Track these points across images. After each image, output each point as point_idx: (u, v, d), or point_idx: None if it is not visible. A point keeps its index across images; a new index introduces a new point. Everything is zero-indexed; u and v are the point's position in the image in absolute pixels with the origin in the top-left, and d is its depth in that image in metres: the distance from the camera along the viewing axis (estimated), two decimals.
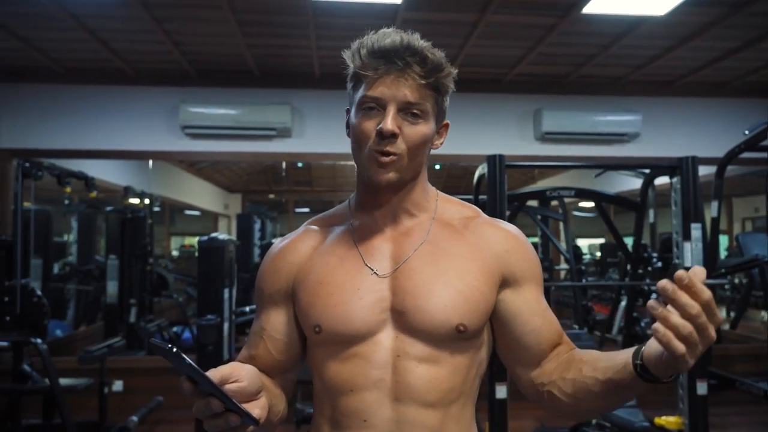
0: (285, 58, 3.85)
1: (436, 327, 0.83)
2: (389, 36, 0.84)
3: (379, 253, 0.89)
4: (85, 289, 5.28)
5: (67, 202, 3.46)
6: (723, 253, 8.26)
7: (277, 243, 0.98)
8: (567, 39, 3.46)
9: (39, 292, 3.01)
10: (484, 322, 0.87)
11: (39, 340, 2.83)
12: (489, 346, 0.92)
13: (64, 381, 3.09)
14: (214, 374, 0.69)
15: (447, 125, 0.94)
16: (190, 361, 0.64)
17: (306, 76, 4.11)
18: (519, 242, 0.91)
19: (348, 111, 0.92)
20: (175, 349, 0.63)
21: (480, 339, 0.89)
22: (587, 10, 2.98)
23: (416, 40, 0.84)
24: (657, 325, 0.62)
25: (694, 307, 0.61)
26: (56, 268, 5.18)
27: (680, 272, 0.61)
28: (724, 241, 8.67)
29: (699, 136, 4.36)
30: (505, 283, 0.89)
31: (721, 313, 6.75)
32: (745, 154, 3.65)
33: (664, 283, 0.62)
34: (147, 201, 5.20)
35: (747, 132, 3.43)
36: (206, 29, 3.34)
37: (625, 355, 0.73)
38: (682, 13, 3.05)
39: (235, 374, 0.71)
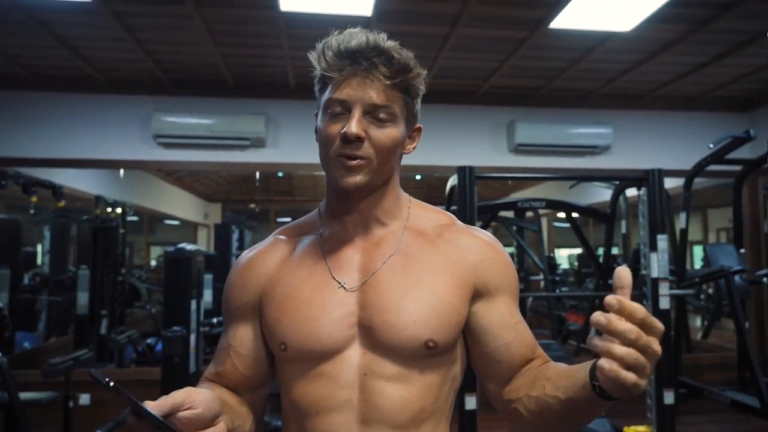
0: (259, 68, 3.85)
1: (404, 343, 0.79)
2: (355, 36, 0.81)
3: (347, 265, 0.85)
4: (56, 300, 5.17)
5: (32, 211, 3.40)
6: (699, 264, 8.41)
7: (245, 254, 0.93)
8: (537, 52, 3.51)
9: (0, 304, 2.93)
10: (456, 337, 0.84)
11: None
12: (463, 360, 0.88)
13: (27, 395, 3.02)
14: (166, 401, 0.65)
15: (419, 129, 0.90)
16: (130, 395, 0.61)
17: (280, 87, 4.11)
18: (495, 252, 0.87)
19: (316, 115, 0.88)
20: (112, 383, 0.60)
21: (453, 354, 0.85)
22: (554, 25, 3.03)
23: (383, 40, 0.81)
24: (602, 362, 0.60)
25: (632, 331, 0.59)
26: (26, 279, 5.07)
27: (608, 298, 0.60)
28: (699, 251, 8.83)
29: (668, 148, 4.44)
30: (478, 294, 0.85)
31: (695, 322, 6.85)
32: (713, 167, 3.73)
33: (596, 316, 0.60)
34: (119, 210, 5.13)
35: (712, 146, 3.50)
36: (178, 38, 3.33)
37: (584, 374, 0.70)
38: (648, 29, 3.12)
39: (189, 400, 0.67)
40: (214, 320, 3.38)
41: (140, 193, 7.10)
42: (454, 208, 3.26)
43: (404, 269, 0.83)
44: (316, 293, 0.83)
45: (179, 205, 9.46)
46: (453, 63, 3.70)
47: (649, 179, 3.10)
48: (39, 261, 5.63)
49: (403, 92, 0.82)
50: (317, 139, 0.87)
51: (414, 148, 0.90)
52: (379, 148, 0.81)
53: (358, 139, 0.79)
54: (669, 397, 2.97)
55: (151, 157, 4.05)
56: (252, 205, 11.28)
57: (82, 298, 4.55)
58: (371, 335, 0.80)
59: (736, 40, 3.31)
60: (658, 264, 3.03)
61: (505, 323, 0.85)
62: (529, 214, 5.53)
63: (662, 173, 3.11)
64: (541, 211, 5.62)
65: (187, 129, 3.95)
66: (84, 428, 3.24)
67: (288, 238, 0.92)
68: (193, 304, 2.78)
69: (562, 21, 2.98)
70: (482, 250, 0.87)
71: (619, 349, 0.59)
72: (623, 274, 0.63)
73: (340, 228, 0.88)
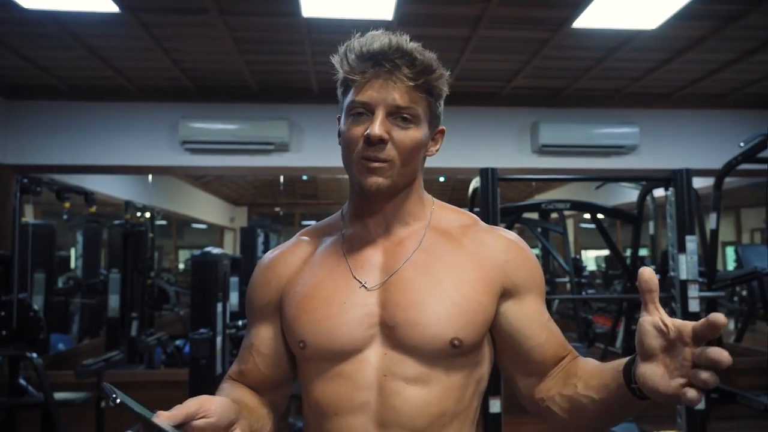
0: (282, 74, 3.90)
1: (428, 342, 0.77)
2: (377, 39, 0.80)
3: (369, 264, 0.85)
4: (88, 303, 5.32)
5: (65, 217, 3.50)
6: (732, 265, 8.18)
7: (268, 255, 0.94)
8: (561, 53, 3.48)
9: (36, 307, 3.04)
10: (483, 336, 0.82)
11: (34, 355, 2.86)
12: (490, 361, 0.87)
13: (61, 395, 3.11)
14: (179, 411, 0.64)
15: (442, 131, 0.89)
16: (139, 412, 0.61)
17: (303, 92, 4.16)
18: (520, 251, 0.86)
19: (339, 119, 0.88)
20: (119, 400, 0.60)
21: (479, 354, 0.83)
22: (577, 24, 2.99)
23: (405, 41, 0.80)
24: (691, 394, 0.58)
25: (723, 360, 0.57)
26: (60, 282, 5.23)
27: (717, 317, 0.58)
28: (732, 253, 8.59)
29: (697, 147, 4.34)
30: (507, 294, 0.83)
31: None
32: (744, 166, 3.63)
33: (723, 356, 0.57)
34: (148, 215, 5.25)
35: (742, 144, 3.41)
36: (204, 47, 3.40)
37: (618, 375, 0.69)
38: (674, 27, 3.06)
39: (203, 409, 0.66)
40: (240, 322, 3.43)
41: (168, 198, 7.25)
42: (477, 209, 3.24)
43: (427, 267, 0.82)
44: (335, 292, 0.83)
45: (206, 209, 9.63)
46: (475, 65, 3.69)
47: (676, 179, 3.03)
48: (72, 265, 5.81)
49: (426, 93, 0.82)
50: (340, 142, 0.87)
51: (437, 150, 0.89)
52: (401, 149, 0.80)
53: (381, 141, 0.79)
54: (701, 403, 2.90)
55: (178, 163, 4.14)
56: (277, 209, 11.41)
57: (113, 300, 4.68)
58: (393, 334, 0.79)
59: (766, 36, 3.22)
60: (686, 266, 2.97)
61: (537, 322, 0.84)
62: (554, 215, 5.47)
63: (690, 173, 3.04)
64: (566, 213, 5.56)
65: (213, 134, 4.03)
66: (116, 427, 3.32)
67: (310, 238, 0.93)
68: (219, 306, 2.83)
69: (585, 20, 2.95)
70: (508, 249, 0.85)
71: (707, 376, 0.58)
72: (649, 276, 0.62)
73: (362, 229, 0.88)
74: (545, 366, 0.84)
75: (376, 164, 0.80)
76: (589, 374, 0.76)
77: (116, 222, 4.96)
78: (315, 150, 4.20)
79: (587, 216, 7.85)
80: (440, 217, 0.90)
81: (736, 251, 4.88)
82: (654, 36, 3.17)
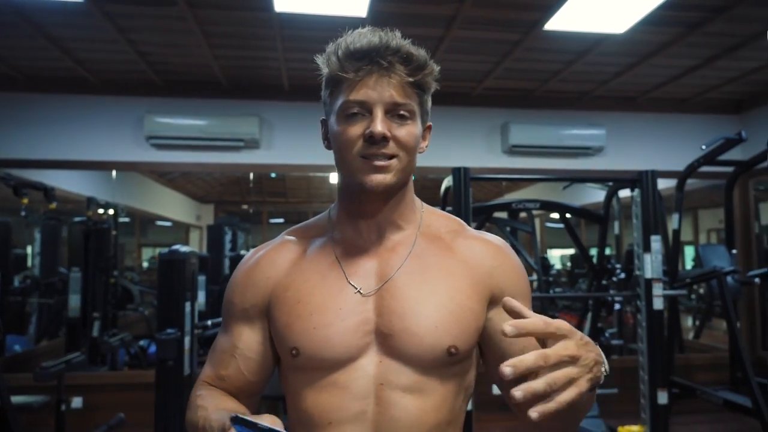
0: (253, 69, 3.83)
1: (426, 351, 0.77)
2: (365, 36, 0.79)
3: (362, 269, 0.83)
4: (47, 303, 5.13)
5: (23, 213, 3.35)
6: (690, 264, 8.47)
7: (252, 254, 0.90)
8: (532, 55, 3.52)
9: None
10: (475, 343, 0.83)
11: None
12: (476, 368, 0.88)
13: (19, 398, 2.98)
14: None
15: (430, 128, 0.88)
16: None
17: (274, 88, 4.10)
18: (507, 258, 0.87)
19: (324, 121, 0.86)
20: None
21: (469, 361, 0.84)
22: (549, 27, 3.04)
23: (395, 38, 0.79)
24: (530, 413, 0.57)
25: (538, 359, 0.58)
26: (17, 282, 5.02)
27: (505, 326, 0.59)
28: (690, 252, 8.89)
29: (661, 150, 4.47)
30: (494, 300, 0.84)
31: (687, 322, 6.89)
32: (705, 168, 3.75)
33: (503, 368, 0.57)
34: (111, 212, 5.09)
35: (704, 147, 3.53)
36: (171, 40, 3.31)
37: None
38: (641, 32, 3.13)
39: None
40: (209, 322, 3.36)
41: (132, 195, 7.05)
42: (449, 209, 3.26)
43: (422, 275, 0.81)
44: (330, 298, 0.80)
45: (171, 206, 9.40)
46: (448, 65, 3.70)
47: (642, 180, 3.12)
48: (29, 263, 5.58)
49: (419, 89, 0.81)
50: (328, 146, 0.85)
51: (426, 147, 0.88)
52: (402, 146, 0.79)
53: (383, 139, 0.77)
54: (662, 397, 2.98)
55: (143, 159, 4.02)
56: (245, 207, 11.23)
57: (74, 300, 4.51)
58: (390, 343, 0.78)
59: (728, 43, 3.34)
60: (651, 265, 3.05)
61: None
62: (523, 214, 5.55)
63: (656, 174, 3.13)
64: (534, 212, 5.65)
65: (180, 130, 3.93)
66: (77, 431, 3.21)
67: (298, 239, 0.89)
68: (188, 306, 2.76)
69: (556, 23, 2.99)
70: (496, 256, 0.86)
71: (537, 384, 0.57)
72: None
73: (353, 232, 0.86)
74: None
75: (382, 162, 0.78)
76: None
77: (77, 219, 4.79)
78: (286, 147, 4.14)
79: (554, 216, 8.00)
80: (430, 222, 0.89)
81: (696, 251, 5.05)
82: (622, 40, 3.24)
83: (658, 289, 3.04)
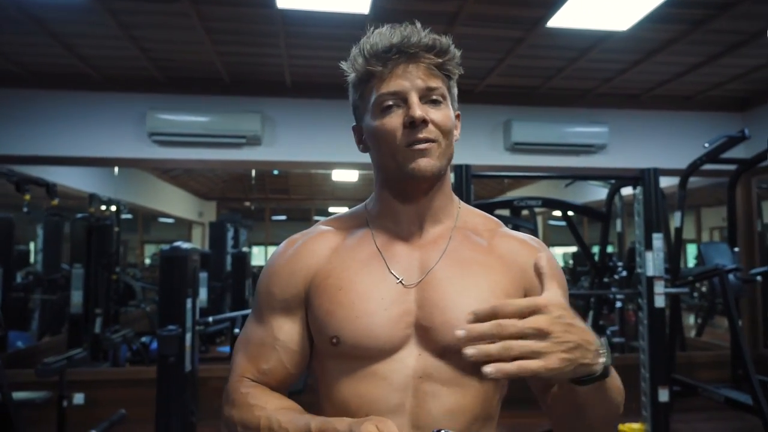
0: (256, 66, 3.83)
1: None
2: (386, 34, 0.80)
3: (404, 260, 0.82)
4: (49, 299, 5.14)
5: (26, 209, 3.35)
6: (692, 262, 8.46)
7: (288, 244, 0.89)
8: (535, 52, 3.51)
9: None
10: None
11: None
12: None
13: (21, 394, 2.99)
14: None
15: (459, 116, 0.88)
16: None
17: (277, 85, 4.10)
18: (546, 256, 0.87)
19: (355, 128, 0.86)
20: None
21: None
22: (552, 24, 3.03)
23: (416, 29, 0.80)
24: (485, 369, 0.59)
25: (492, 328, 0.60)
26: (19, 278, 5.04)
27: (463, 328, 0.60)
28: (693, 250, 8.87)
29: (664, 147, 4.45)
30: (529, 297, 0.83)
31: (689, 320, 6.88)
32: (708, 166, 3.74)
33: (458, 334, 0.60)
34: (113, 208, 5.10)
35: (707, 145, 3.51)
36: (174, 36, 3.31)
37: None
38: (645, 29, 3.12)
39: None
40: (210, 319, 3.36)
41: (135, 191, 7.06)
42: None
43: (462, 269, 0.81)
44: (373, 287, 0.80)
45: (174, 203, 9.43)
46: None
47: (644, 178, 3.11)
48: (32, 259, 5.60)
49: (446, 74, 0.82)
50: (363, 149, 0.86)
51: (458, 135, 0.87)
52: (441, 128, 0.80)
53: (423, 122, 0.78)
54: (663, 395, 2.99)
55: (146, 155, 4.03)
56: (247, 204, 11.24)
57: (76, 296, 4.53)
58: (430, 336, 0.78)
59: (732, 41, 3.32)
60: (653, 262, 3.05)
61: None
62: (525, 212, 5.54)
63: (658, 172, 3.13)
64: (537, 210, 5.63)
65: (183, 127, 3.93)
66: (78, 428, 3.22)
67: (335, 229, 0.89)
68: (189, 302, 2.76)
69: (559, 20, 2.98)
70: (532, 254, 0.85)
71: (491, 347, 0.59)
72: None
73: (392, 224, 0.86)
74: None
75: (426, 145, 0.78)
76: None
77: (80, 215, 4.80)
78: (288, 144, 4.14)
79: (556, 213, 8.00)
80: (467, 218, 0.89)
81: (698, 248, 5.04)
82: (625, 37, 3.23)
83: (659, 287, 3.03)
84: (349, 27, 3.07)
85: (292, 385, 0.87)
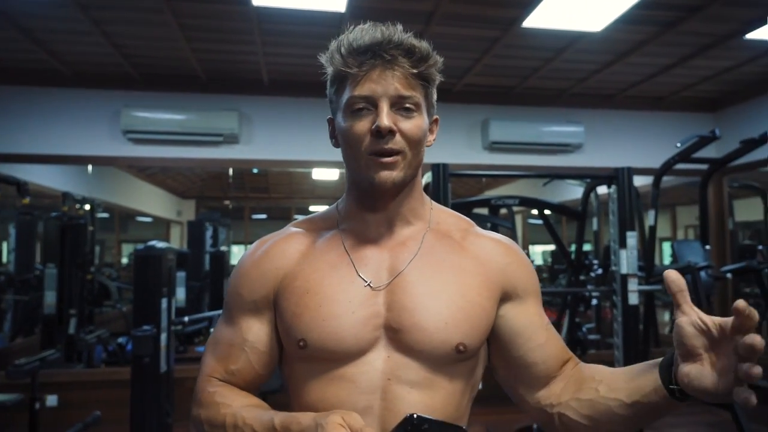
0: (232, 63, 3.80)
1: (435, 347, 0.76)
2: (368, 32, 0.78)
3: (372, 262, 0.82)
4: (22, 300, 5.03)
5: None
6: (668, 260, 8.61)
7: (258, 245, 0.88)
8: (511, 51, 3.54)
9: None
10: (484, 341, 0.82)
11: None
12: (483, 366, 0.87)
13: None
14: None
15: (437, 120, 0.87)
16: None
17: (253, 82, 4.07)
18: (518, 256, 0.87)
19: (330, 120, 0.85)
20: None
21: (476, 358, 0.83)
22: (527, 24, 3.06)
23: (397, 31, 0.79)
24: (744, 394, 0.58)
25: (755, 343, 0.57)
26: None
27: (737, 304, 0.57)
28: (668, 248, 9.04)
29: (638, 147, 4.53)
30: (506, 297, 0.83)
31: (664, 317, 7.01)
32: (680, 165, 3.82)
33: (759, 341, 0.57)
34: (88, 207, 5.01)
35: (679, 145, 3.58)
36: (148, 33, 3.26)
37: (651, 378, 0.70)
38: (617, 30, 3.17)
39: None
40: (185, 319, 3.33)
41: (110, 190, 6.95)
42: None
43: (432, 270, 0.81)
44: (340, 290, 0.79)
45: (151, 201, 9.29)
46: None
47: (619, 177, 3.16)
48: (4, 259, 5.47)
49: (424, 81, 0.80)
50: (335, 144, 0.84)
51: (434, 140, 0.86)
52: (409, 139, 0.78)
53: (390, 133, 0.76)
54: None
55: (120, 153, 3.97)
56: (226, 202, 11.13)
57: (50, 297, 4.44)
58: (399, 338, 0.77)
59: (702, 42, 3.39)
60: (627, 260, 3.10)
61: (536, 325, 0.84)
62: (503, 211, 5.59)
63: (632, 171, 3.18)
64: (514, 209, 5.68)
65: (158, 125, 3.88)
66: (51, 431, 3.16)
67: (306, 230, 0.88)
68: (164, 302, 2.73)
69: (534, 20, 3.02)
70: (507, 254, 0.86)
71: (746, 366, 0.57)
72: (675, 277, 0.62)
73: (362, 226, 0.85)
74: (547, 368, 0.83)
75: (389, 159, 0.77)
76: (611, 378, 0.76)
77: (53, 214, 4.70)
78: (266, 142, 4.11)
79: (534, 212, 8.07)
80: (439, 219, 0.89)
81: (672, 246, 5.13)
82: (599, 38, 3.28)
83: (633, 285, 3.08)
84: (326, 25, 3.06)
85: (262, 385, 0.87)
